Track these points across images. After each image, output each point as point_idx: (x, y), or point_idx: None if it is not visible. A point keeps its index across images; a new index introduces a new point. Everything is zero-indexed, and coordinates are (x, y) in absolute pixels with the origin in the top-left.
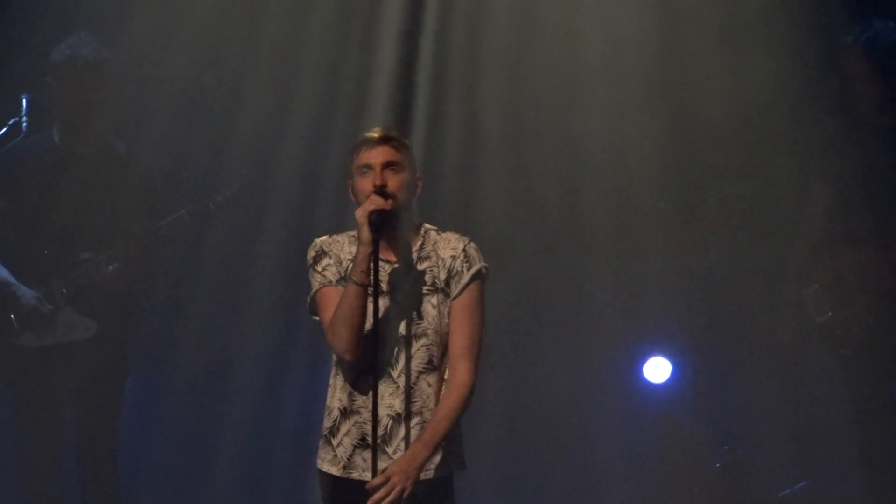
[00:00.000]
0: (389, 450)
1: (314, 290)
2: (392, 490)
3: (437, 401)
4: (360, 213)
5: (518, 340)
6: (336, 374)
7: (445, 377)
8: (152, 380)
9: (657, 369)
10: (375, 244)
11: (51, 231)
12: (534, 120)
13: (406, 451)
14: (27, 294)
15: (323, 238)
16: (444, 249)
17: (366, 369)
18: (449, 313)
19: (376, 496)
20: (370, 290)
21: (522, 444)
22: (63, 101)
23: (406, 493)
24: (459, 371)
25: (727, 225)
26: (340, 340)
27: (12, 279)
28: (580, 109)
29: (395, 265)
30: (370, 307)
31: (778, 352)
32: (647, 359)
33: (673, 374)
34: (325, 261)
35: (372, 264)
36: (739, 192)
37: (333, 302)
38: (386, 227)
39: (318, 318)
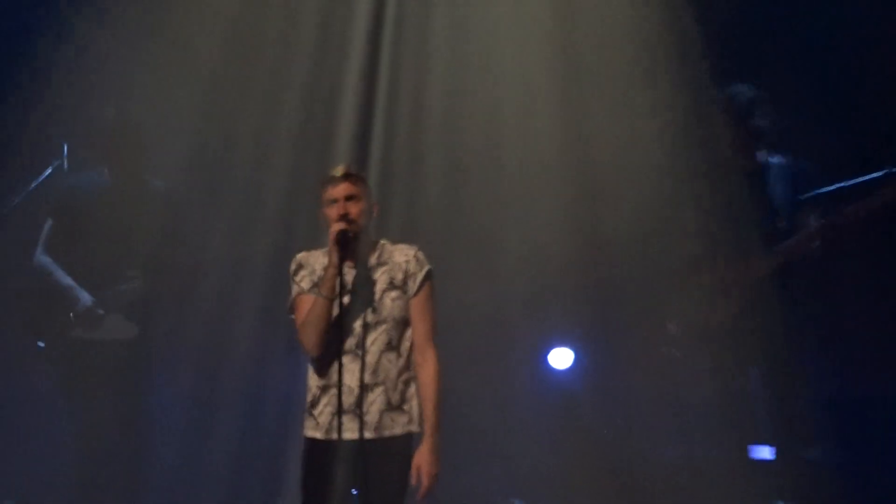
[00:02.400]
0: (366, 411)
1: (292, 296)
2: (428, 477)
3: (397, 373)
4: (331, 234)
5: (449, 335)
6: (312, 359)
7: (407, 356)
8: (170, 372)
9: (561, 357)
10: (341, 260)
11: (104, 250)
12: (464, 156)
13: (424, 443)
14: (85, 297)
15: (301, 254)
16: (398, 256)
17: (336, 353)
18: (406, 307)
19: (422, 489)
20: (344, 305)
21: (451, 418)
22: (112, 151)
23: (436, 473)
24: (428, 358)
25: (619, 241)
26: (307, 341)
27: (74, 284)
28: (501, 149)
29: (357, 271)
30: (335, 308)
31: (660, 344)
32: (552, 348)
33: (574, 361)
34: (302, 273)
35: (338, 280)
36: (630, 213)
37: (305, 308)
38: (350, 245)
39: (293, 318)
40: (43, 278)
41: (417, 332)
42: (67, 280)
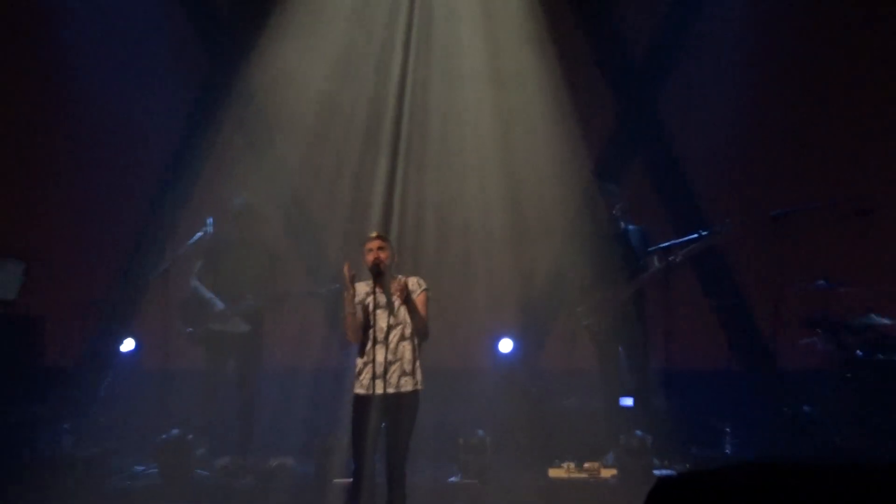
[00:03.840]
0: (389, 377)
1: (346, 310)
2: (401, 286)
3: (409, 354)
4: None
5: (439, 331)
6: (358, 348)
7: (414, 344)
8: (269, 354)
9: (506, 345)
10: (374, 285)
11: (231, 279)
12: (448, 225)
13: (410, 307)
14: (219, 305)
15: (358, 284)
16: (411, 284)
17: (372, 343)
18: (412, 314)
19: (398, 285)
20: (378, 312)
21: (436, 379)
22: (238, 222)
23: (405, 292)
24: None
25: (544, 273)
26: (349, 336)
27: (213, 297)
28: (470, 223)
29: (384, 293)
30: (372, 316)
31: (568, 336)
32: (501, 338)
33: (515, 349)
34: (351, 294)
35: (372, 301)
36: (550, 255)
37: (350, 318)
38: (379, 276)
39: (346, 322)
40: (195, 293)
41: (418, 323)
42: (209, 295)
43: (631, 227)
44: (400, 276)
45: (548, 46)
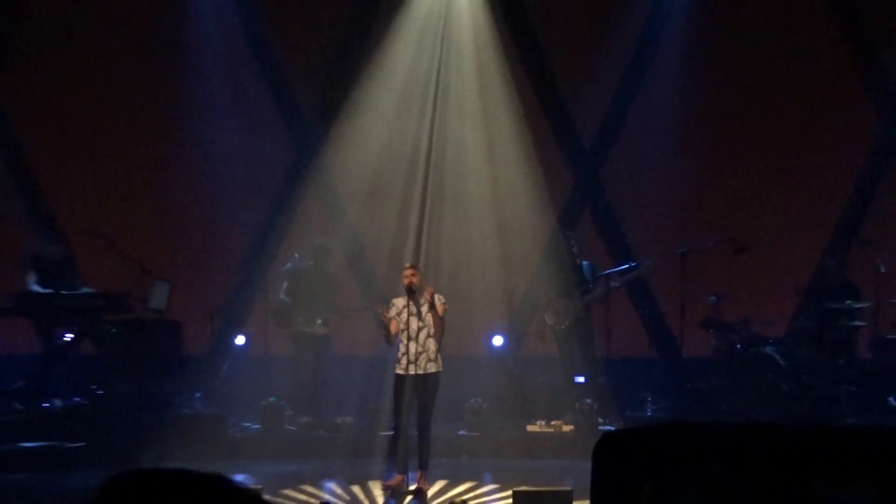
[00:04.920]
0: (419, 362)
1: (383, 326)
2: (430, 293)
3: (433, 347)
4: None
5: (451, 328)
6: (399, 343)
7: (437, 339)
8: (340, 349)
9: (498, 339)
10: (408, 299)
11: (310, 296)
12: (459, 253)
13: (433, 313)
14: (298, 317)
15: (395, 299)
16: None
17: (407, 339)
18: (435, 319)
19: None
20: (411, 319)
21: (447, 363)
22: (316, 256)
23: (432, 296)
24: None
25: (523, 288)
26: (388, 339)
27: (295, 308)
28: (472, 254)
29: (416, 305)
30: (407, 320)
31: (539, 333)
32: (494, 335)
33: (504, 342)
34: (392, 307)
35: (406, 311)
36: (527, 274)
37: (386, 330)
38: (413, 294)
39: (387, 326)
40: (284, 305)
41: (439, 326)
42: (292, 306)
43: (584, 262)
44: (431, 286)
45: (526, 131)
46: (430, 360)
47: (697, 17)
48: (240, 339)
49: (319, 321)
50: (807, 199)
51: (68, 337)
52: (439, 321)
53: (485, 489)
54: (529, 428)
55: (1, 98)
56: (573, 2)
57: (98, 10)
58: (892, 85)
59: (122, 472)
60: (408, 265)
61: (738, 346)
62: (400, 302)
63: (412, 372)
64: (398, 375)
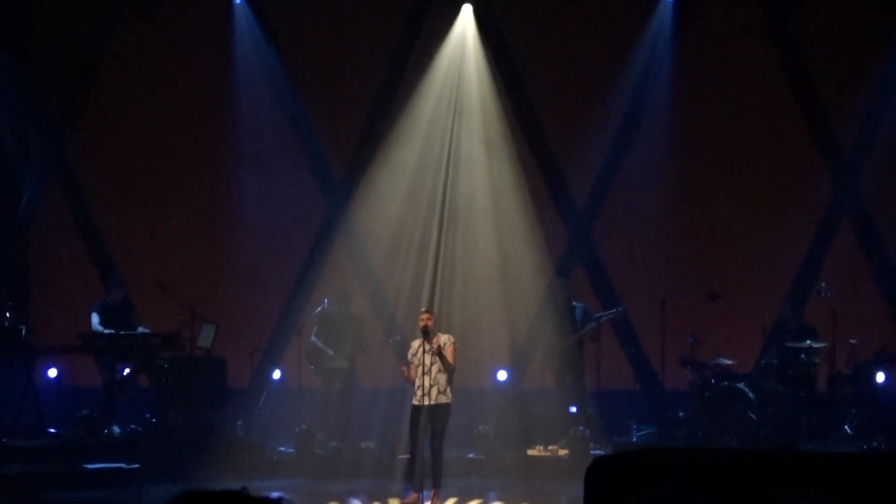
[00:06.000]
0: (432, 394)
1: (407, 358)
2: (439, 346)
3: (444, 381)
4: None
5: (460, 365)
6: (416, 377)
7: (447, 374)
8: (363, 381)
9: (502, 374)
10: (423, 339)
11: (336, 336)
12: (464, 299)
13: (440, 355)
14: (329, 352)
15: (413, 341)
16: (443, 338)
17: (422, 375)
18: (443, 356)
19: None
20: (425, 356)
21: (458, 394)
22: (343, 301)
23: (440, 349)
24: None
25: (524, 330)
26: (407, 376)
27: (325, 347)
28: (476, 297)
29: (430, 344)
30: (422, 358)
31: (539, 368)
32: (499, 370)
33: (507, 377)
34: (410, 349)
35: (421, 349)
36: (527, 316)
37: (404, 371)
38: (427, 334)
39: (408, 364)
40: (314, 346)
41: (448, 364)
42: (322, 346)
43: (577, 304)
44: (439, 334)
45: (526, 191)
46: (441, 393)
47: (678, 98)
48: (276, 374)
49: (342, 357)
50: (771, 252)
51: (127, 371)
52: (448, 363)
53: None
54: (530, 452)
55: (71, 159)
56: (566, 74)
57: (159, 81)
58: (843, 151)
59: (183, 493)
60: (423, 309)
61: (712, 380)
62: (416, 343)
63: (426, 403)
64: (414, 406)
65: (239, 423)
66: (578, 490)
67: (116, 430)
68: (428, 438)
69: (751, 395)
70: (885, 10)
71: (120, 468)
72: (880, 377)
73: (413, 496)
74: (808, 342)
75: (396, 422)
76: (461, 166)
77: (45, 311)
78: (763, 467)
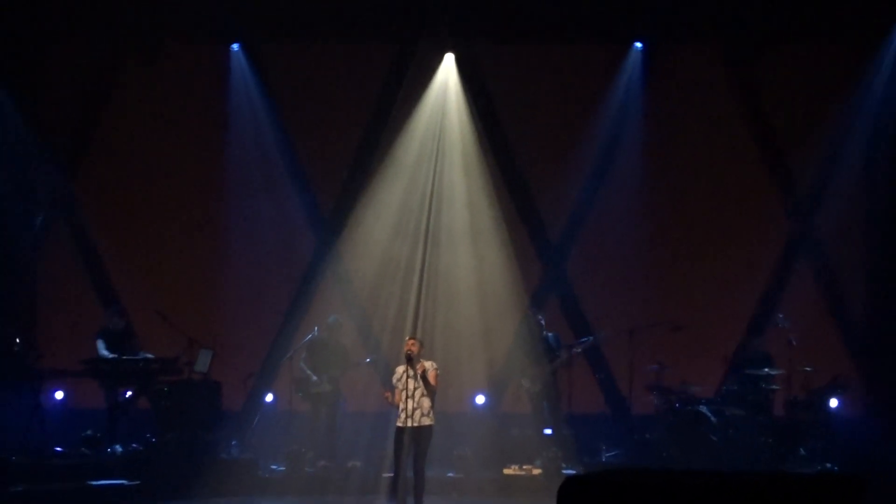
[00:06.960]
0: (415, 416)
1: (392, 382)
2: (423, 368)
3: (427, 404)
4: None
5: (443, 388)
6: (400, 401)
7: (430, 397)
8: (347, 402)
9: (480, 398)
10: (408, 365)
11: (324, 362)
12: (447, 324)
13: (424, 380)
14: (314, 378)
15: (398, 367)
16: (427, 364)
17: (406, 398)
18: (428, 381)
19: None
20: (409, 381)
21: (440, 417)
22: (331, 330)
23: (424, 373)
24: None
25: (502, 356)
26: (393, 400)
27: (311, 373)
28: (459, 320)
29: (414, 370)
30: (406, 382)
31: (515, 394)
32: (477, 394)
33: (485, 401)
34: (395, 374)
35: (405, 375)
36: (504, 343)
37: (389, 396)
38: (411, 360)
39: (394, 390)
40: (302, 372)
41: (430, 388)
42: (309, 373)
43: (550, 333)
44: (423, 361)
45: (504, 227)
46: (423, 415)
47: (648, 140)
48: (269, 398)
49: (325, 380)
50: (733, 285)
51: (128, 394)
52: (431, 388)
53: None
54: (506, 471)
55: (77, 195)
56: (543, 117)
57: (159, 123)
58: (800, 191)
59: None
60: (409, 337)
61: (677, 405)
62: (400, 369)
63: (409, 425)
64: (398, 427)
65: (233, 443)
66: None
67: (119, 449)
68: (411, 459)
69: (713, 419)
70: (838, 61)
71: (122, 485)
72: (833, 403)
73: None
74: (766, 370)
75: (381, 443)
76: (443, 205)
77: (51, 337)
78: (724, 488)
